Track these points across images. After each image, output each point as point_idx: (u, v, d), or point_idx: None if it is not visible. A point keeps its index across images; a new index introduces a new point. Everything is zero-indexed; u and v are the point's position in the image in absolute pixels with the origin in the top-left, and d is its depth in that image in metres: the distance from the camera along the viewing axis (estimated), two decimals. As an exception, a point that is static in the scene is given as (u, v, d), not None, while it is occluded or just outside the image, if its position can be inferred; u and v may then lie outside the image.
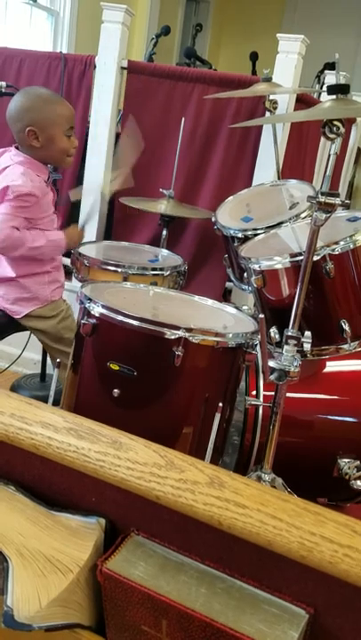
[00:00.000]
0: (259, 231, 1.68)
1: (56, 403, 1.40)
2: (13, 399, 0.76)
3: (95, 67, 2.29)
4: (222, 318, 1.47)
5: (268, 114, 2.05)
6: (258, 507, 0.60)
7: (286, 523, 0.59)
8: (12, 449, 0.72)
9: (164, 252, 2.05)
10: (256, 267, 1.43)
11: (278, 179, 2.07)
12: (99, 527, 0.74)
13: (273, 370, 1.26)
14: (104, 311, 1.26)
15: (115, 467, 0.66)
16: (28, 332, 2.00)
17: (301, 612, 0.65)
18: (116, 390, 1.25)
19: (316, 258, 1.31)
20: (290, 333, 1.27)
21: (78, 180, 2.41)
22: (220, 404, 1.26)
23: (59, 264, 1.86)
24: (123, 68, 2.28)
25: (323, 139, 1.22)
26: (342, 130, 1.19)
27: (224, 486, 0.63)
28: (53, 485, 0.75)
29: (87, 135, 2.35)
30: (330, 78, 2.92)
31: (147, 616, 0.68)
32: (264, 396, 1.51)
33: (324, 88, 1.95)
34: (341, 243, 1.34)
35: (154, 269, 1.79)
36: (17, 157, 1.70)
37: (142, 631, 0.69)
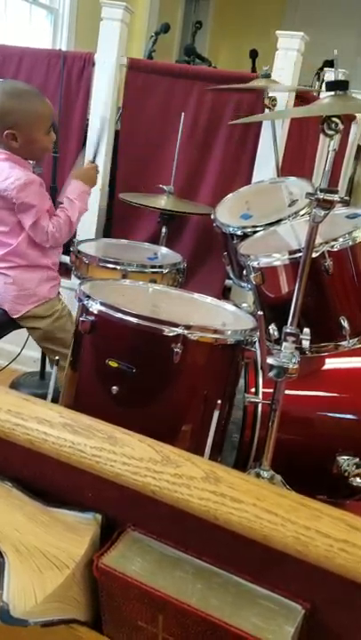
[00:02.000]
0: (258, 228, 1.68)
1: (55, 400, 1.40)
2: (10, 395, 0.76)
3: (94, 64, 2.28)
4: (221, 315, 1.46)
5: (267, 111, 2.05)
6: (253, 501, 0.60)
7: (282, 517, 0.58)
8: (9, 445, 0.72)
9: (164, 249, 2.05)
10: (255, 264, 1.42)
11: (278, 176, 2.07)
12: (95, 523, 0.74)
13: (272, 367, 1.26)
14: (103, 308, 1.26)
15: (110, 462, 0.66)
16: (28, 330, 2.00)
17: (297, 607, 0.65)
18: (114, 387, 1.25)
19: (315, 255, 1.31)
20: (289, 330, 1.27)
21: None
22: (219, 402, 1.26)
23: (56, 261, 1.86)
24: (122, 66, 2.27)
25: (322, 135, 1.22)
26: (341, 126, 1.19)
27: (220, 481, 0.63)
28: (49, 481, 0.75)
29: (86, 132, 2.35)
30: (329, 76, 2.91)
31: (143, 611, 0.68)
32: (263, 393, 1.51)
33: (324, 86, 1.95)
34: (340, 239, 1.34)
35: (153, 267, 1.79)
36: (0, 155, 1.69)
37: (139, 626, 0.69)
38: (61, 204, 1.79)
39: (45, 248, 1.76)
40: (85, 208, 1.81)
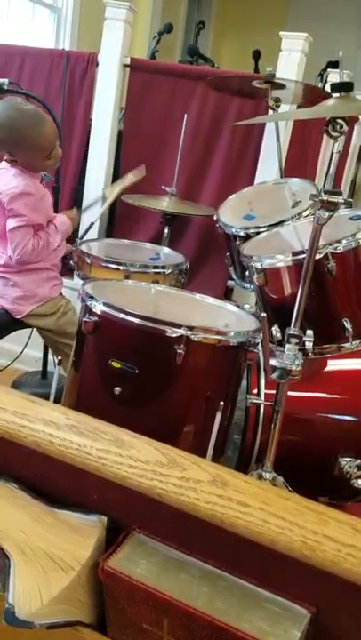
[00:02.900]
0: (261, 229, 1.67)
1: (57, 400, 1.40)
2: (15, 396, 0.76)
3: (98, 64, 2.28)
4: (224, 316, 1.46)
5: (270, 112, 2.05)
6: (260, 505, 0.60)
7: (289, 521, 0.58)
8: (14, 446, 0.72)
9: (166, 250, 2.05)
10: (258, 265, 1.42)
11: (281, 177, 2.06)
12: (100, 525, 0.73)
13: (275, 368, 1.26)
14: (105, 309, 1.26)
15: (117, 464, 0.66)
16: (30, 330, 2.00)
17: (303, 611, 0.64)
18: (117, 388, 1.25)
19: (318, 256, 1.30)
20: (292, 332, 1.27)
21: (80, 178, 2.41)
22: (222, 403, 1.26)
23: (57, 262, 1.86)
24: (125, 66, 2.27)
25: (325, 137, 1.22)
26: (345, 128, 1.19)
27: (226, 485, 0.63)
28: (55, 483, 0.75)
29: (89, 133, 2.35)
30: (333, 76, 2.91)
31: (148, 614, 0.68)
32: (265, 394, 1.51)
33: (328, 86, 1.95)
34: (344, 241, 1.34)
35: (155, 267, 1.78)
36: (7, 163, 1.71)
37: (144, 629, 0.69)
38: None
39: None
40: (59, 243, 1.82)
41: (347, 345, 1.39)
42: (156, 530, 0.70)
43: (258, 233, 1.67)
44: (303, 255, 1.28)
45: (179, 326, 1.20)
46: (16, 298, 1.78)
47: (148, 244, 2.13)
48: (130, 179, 2.03)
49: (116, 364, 1.25)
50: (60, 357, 1.67)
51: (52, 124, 1.69)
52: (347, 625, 0.62)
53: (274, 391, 1.32)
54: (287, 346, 1.27)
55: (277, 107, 2.00)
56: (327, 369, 1.60)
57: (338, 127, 1.20)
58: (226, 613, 0.64)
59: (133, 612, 0.69)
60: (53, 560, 0.69)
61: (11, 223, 1.67)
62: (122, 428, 0.71)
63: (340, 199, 1.18)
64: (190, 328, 1.21)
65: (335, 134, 1.20)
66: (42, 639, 0.71)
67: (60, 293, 1.92)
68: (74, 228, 1.87)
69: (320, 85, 3.08)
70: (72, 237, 1.94)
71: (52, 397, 1.37)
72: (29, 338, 2.13)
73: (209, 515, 0.61)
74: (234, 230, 1.73)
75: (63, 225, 1.81)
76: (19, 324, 1.84)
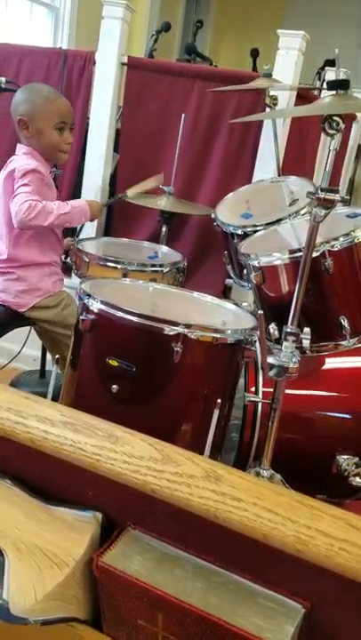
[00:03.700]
0: (258, 228, 1.68)
1: (55, 399, 1.40)
2: (10, 393, 0.76)
3: (95, 62, 2.28)
4: (221, 315, 1.46)
5: (268, 110, 2.05)
6: (254, 500, 0.60)
7: (282, 516, 0.58)
8: (9, 443, 0.72)
9: (164, 248, 2.05)
10: (255, 263, 1.42)
11: (278, 175, 2.06)
12: (95, 521, 0.74)
13: (272, 366, 1.26)
14: (103, 307, 1.26)
15: (111, 460, 0.66)
16: (28, 329, 2.00)
17: (298, 607, 0.64)
18: (114, 386, 1.25)
19: (315, 254, 1.30)
20: (289, 330, 1.27)
21: (78, 174, 2.41)
22: (219, 401, 1.26)
23: (58, 260, 1.87)
24: (123, 64, 2.27)
25: (323, 135, 1.22)
26: (342, 125, 1.19)
27: (220, 480, 0.63)
28: (50, 479, 0.75)
29: (87, 131, 2.35)
30: (330, 74, 2.91)
31: (143, 610, 0.68)
32: (263, 392, 1.51)
33: (325, 85, 1.94)
34: (341, 239, 1.34)
35: (153, 266, 1.79)
36: (21, 149, 1.78)
37: (139, 625, 0.69)
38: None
39: (41, 246, 1.79)
40: (78, 222, 1.82)
41: (344, 343, 1.39)
42: (151, 526, 0.70)
43: (255, 231, 1.67)
44: (300, 253, 1.28)
45: (176, 324, 1.21)
46: (20, 291, 1.79)
47: (146, 243, 2.13)
48: (150, 184, 2.03)
49: (114, 363, 1.25)
50: (57, 356, 1.67)
51: (68, 102, 1.81)
52: (341, 620, 0.62)
53: (271, 389, 1.32)
54: (285, 343, 1.27)
55: (275, 105, 2.01)
56: (325, 367, 1.61)
57: (335, 125, 1.20)
58: (220, 609, 0.64)
59: (128, 607, 0.69)
60: (48, 556, 0.69)
61: (17, 190, 1.68)
62: (116, 425, 0.71)
63: (336, 197, 1.18)
64: (188, 326, 1.21)
65: (332, 132, 1.20)
66: (37, 635, 0.71)
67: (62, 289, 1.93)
68: (93, 218, 1.85)
69: (318, 83, 3.08)
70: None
71: (49, 396, 1.37)
72: (27, 337, 2.12)
73: (202, 510, 0.61)
74: (232, 229, 1.74)
75: (77, 202, 1.80)
76: (20, 320, 1.85)
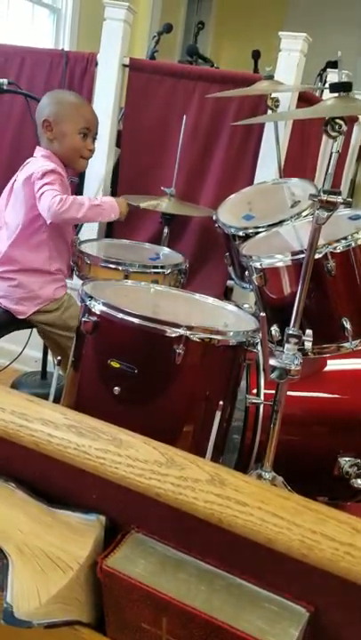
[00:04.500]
0: (260, 229, 1.67)
1: (57, 400, 1.40)
2: (14, 396, 0.76)
3: (97, 64, 2.28)
4: (223, 316, 1.46)
5: (269, 112, 2.05)
6: (258, 504, 0.60)
7: (287, 521, 0.58)
8: (13, 446, 0.72)
9: (166, 249, 2.05)
10: (257, 265, 1.42)
11: (280, 177, 2.06)
12: (99, 524, 0.73)
13: (274, 368, 1.26)
14: (105, 309, 1.26)
15: (115, 464, 0.66)
16: (30, 330, 2.00)
17: (302, 611, 0.64)
18: (116, 388, 1.25)
19: (317, 256, 1.30)
20: (291, 332, 1.27)
21: (79, 176, 2.41)
22: (221, 403, 1.26)
23: (64, 268, 1.87)
24: (125, 66, 2.27)
25: (325, 137, 1.22)
26: (344, 128, 1.19)
27: (225, 484, 0.63)
28: (53, 482, 0.75)
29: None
30: (332, 76, 2.91)
31: (147, 613, 0.68)
32: (265, 394, 1.51)
33: (327, 86, 1.95)
34: (343, 241, 1.34)
35: (155, 267, 1.78)
36: (40, 152, 1.78)
37: (142, 629, 0.69)
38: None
39: (50, 254, 1.78)
40: (108, 217, 1.78)
41: (346, 344, 1.39)
42: (155, 529, 0.70)
43: (257, 233, 1.67)
44: (302, 255, 1.28)
45: (178, 326, 1.20)
46: (20, 298, 1.79)
47: (148, 244, 2.13)
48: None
49: (116, 364, 1.25)
50: (59, 357, 1.67)
51: (94, 111, 1.83)
52: (345, 624, 0.62)
53: (273, 391, 1.32)
54: (286, 345, 1.27)
55: (276, 107, 2.01)
56: (327, 369, 1.60)
57: (337, 127, 1.20)
58: (224, 612, 0.64)
59: (132, 611, 0.69)
60: (52, 559, 0.69)
61: (42, 189, 1.66)
62: (120, 428, 0.71)
63: (338, 199, 1.18)
64: (190, 328, 1.21)
65: (334, 134, 1.20)
66: (41, 639, 0.71)
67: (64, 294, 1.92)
68: (122, 215, 1.81)
69: (319, 85, 3.09)
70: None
71: (51, 397, 1.37)
72: (29, 338, 2.12)
73: (207, 514, 0.61)
74: (233, 230, 1.73)
75: (107, 198, 1.79)
76: (20, 323, 1.84)
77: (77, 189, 2.40)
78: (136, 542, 0.72)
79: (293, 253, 1.36)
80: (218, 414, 1.25)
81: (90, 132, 1.78)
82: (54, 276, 1.83)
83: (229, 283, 2.29)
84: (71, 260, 1.89)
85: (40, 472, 0.75)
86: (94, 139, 1.83)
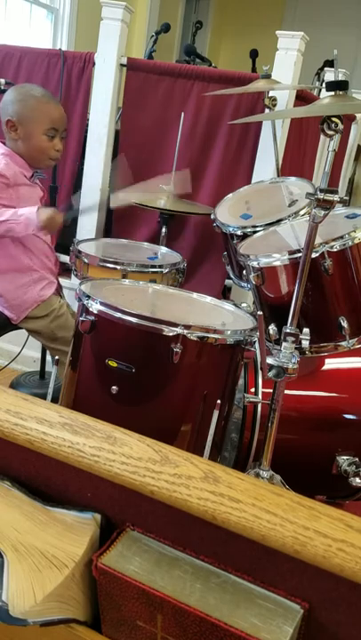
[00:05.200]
0: (258, 228, 1.68)
1: (55, 400, 1.40)
2: (9, 395, 0.76)
3: (94, 64, 2.29)
4: (221, 315, 1.46)
5: (267, 111, 2.05)
6: (252, 501, 0.60)
7: (280, 517, 0.58)
8: (8, 444, 0.72)
9: (164, 249, 2.05)
10: (255, 264, 1.43)
11: (278, 176, 2.07)
12: (94, 522, 0.74)
13: (271, 367, 1.26)
14: (102, 308, 1.26)
15: (109, 462, 0.66)
16: (28, 330, 2.00)
17: (296, 607, 0.64)
18: (114, 387, 1.25)
19: (314, 255, 1.31)
20: (288, 330, 1.27)
21: (77, 177, 2.41)
22: (219, 401, 1.26)
23: (48, 264, 1.85)
24: (122, 65, 2.27)
25: (322, 136, 1.22)
26: (341, 126, 1.19)
27: (218, 481, 0.63)
28: (49, 481, 0.75)
29: (87, 132, 2.35)
30: (329, 75, 2.91)
31: (142, 611, 0.68)
32: (263, 393, 1.51)
33: (324, 85, 1.95)
34: (340, 240, 1.34)
35: (153, 267, 1.79)
36: (0, 149, 1.72)
37: (137, 626, 0.69)
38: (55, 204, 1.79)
39: (16, 253, 1.74)
40: (20, 232, 1.64)
41: (343, 343, 1.39)
42: (150, 527, 0.70)
43: (255, 232, 1.67)
44: (300, 254, 1.28)
45: (175, 325, 1.21)
46: (8, 307, 1.78)
47: (146, 244, 2.13)
48: (156, 185, 1.95)
49: (113, 364, 1.25)
50: (57, 357, 1.66)
51: (61, 108, 1.74)
52: (340, 620, 0.62)
53: (271, 390, 1.32)
54: (284, 344, 1.27)
55: (274, 105, 2.01)
56: (324, 367, 1.61)
57: (333, 125, 1.20)
58: (219, 610, 0.64)
59: (127, 608, 0.69)
60: (47, 558, 0.69)
61: None
62: (115, 426, 0.71)
63: (335, 197, 1.18)
64: (187, 327, 1.21)
65: (331, 132, 1.20)
66: (36, 637, 0.71)
67: (59, 295, 1.91)
68: (46, 229, 1.65)
69: (317, 84, 3.09)
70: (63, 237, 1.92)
71: (49, 397, 1.37)
72: (27, 338, 2.13)
73: (201, 511, 0.62)
74: (231, 229, 1.74)
75: (24, 210, 1.63)
76: (14, 325, 1.84)
77: (76, 189, 2.41)
78: (131, 540, 0.72)
79: (291, 252, 1.37)
80: (216, 413, 1.25)
81: (57, 132, 1.72)
82: (36, 273, 1.79)
83: (227, 282, 2.30)
84: (69, 260, 1.89)
85: (35, 470, 0.76)
86: (62, 137, 1.76)
